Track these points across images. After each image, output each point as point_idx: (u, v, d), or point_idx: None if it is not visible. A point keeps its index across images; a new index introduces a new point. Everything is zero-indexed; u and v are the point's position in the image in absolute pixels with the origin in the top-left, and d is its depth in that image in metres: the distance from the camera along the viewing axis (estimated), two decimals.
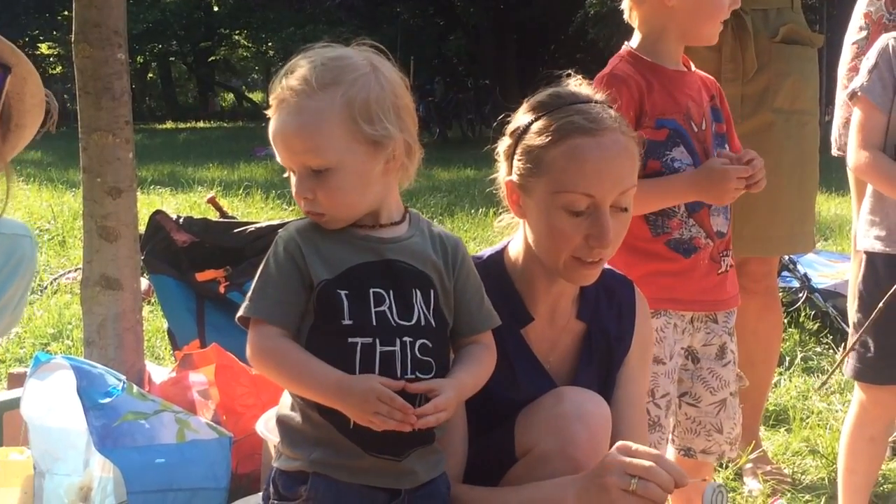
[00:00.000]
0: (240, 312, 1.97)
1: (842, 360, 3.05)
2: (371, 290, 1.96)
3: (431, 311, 2.01)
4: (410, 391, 1.90)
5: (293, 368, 1.92)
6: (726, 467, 3.66)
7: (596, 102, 2.26)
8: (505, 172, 2.32)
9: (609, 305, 2.42)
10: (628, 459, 1.97)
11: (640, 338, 2.45)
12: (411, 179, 2.07)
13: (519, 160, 2.26)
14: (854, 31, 3.88)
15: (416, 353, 1.96)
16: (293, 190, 1.98)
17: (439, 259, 2.06)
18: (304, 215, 2.02)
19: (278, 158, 1.99)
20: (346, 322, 1.93)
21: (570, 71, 2.39)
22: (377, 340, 1.93)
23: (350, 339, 1.93)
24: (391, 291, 1.97)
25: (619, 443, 2.03)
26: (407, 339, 1.96)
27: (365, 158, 1.94)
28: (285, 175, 2.01)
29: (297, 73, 1.94)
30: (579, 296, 2.40)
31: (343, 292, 1.94)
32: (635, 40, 2.83)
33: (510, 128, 2.31)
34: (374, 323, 1.94)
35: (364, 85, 1.94)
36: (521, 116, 2.29)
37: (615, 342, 2.41)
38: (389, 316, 1.96)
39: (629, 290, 2.47)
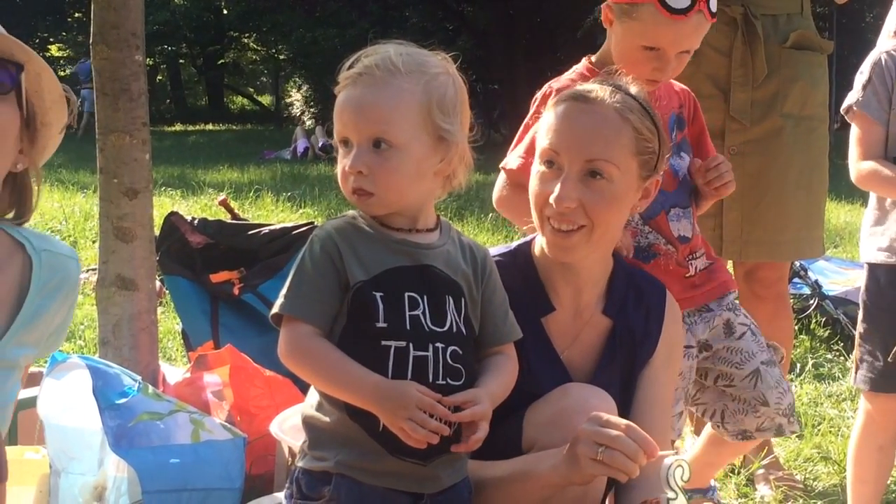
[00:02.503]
0: (274, 310, 1.97)
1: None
2: (406, 294, 1.97)
3: (462, 320, 2.03)
4: (446, 404, 1.91)
5: (330, 369, 1.93)
6: (738, 473, 3.67)
7: (613, 87, 2.33)
8: None
9: (637, 305, 2.45)
10: (597, 429, 2.00)
11: (667, 340, 2.47)
12: (459, 188, 2.11)
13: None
14: (887, 35, 3.88)
15: (448, 359, 1.98)
16: (345, 164, 1.97)
17: (469, 269, 2.08)
18: (323, 215, 2.03)
19: (336, 130, 2.00)
20: (381, 325, 1.94)
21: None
22: (410, 345, 1.94)
23: (384, 342, 1.94)
24: (425, 297, 1.98)
25: (593, 413, 2.05)
26: (439, 344, 1.97)
27: (427, 151, 1.97)
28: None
29: (381, 55, 1.96)
30: (606, 292, 2.43)
31: (378, 294, 1.95)
32: (597, 53, 2.85)
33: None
34: (408, 327, 1.95)
35: (444, 82, 1.99)
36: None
37: (640, 341, 2.43)
38: (423, 321, 1.97)
39: (659, 293, 2.50)
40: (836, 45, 3.97)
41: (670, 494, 1.96)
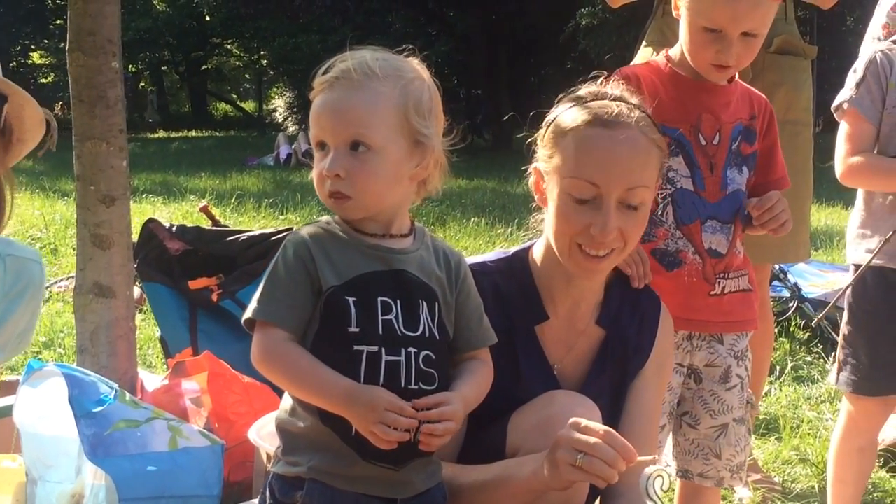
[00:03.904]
0: (246, 315, 1.97)
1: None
2: (379, 299, 1.97)
3: (436, 324, 2.02)
4: (418, 407, 1.91)
5: (301, 374, 1.93)
6: None
7: (623, 101, 2.31)
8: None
9: (631, 316, 2.45)
10: (576, 435, 1.99)
11: (659, 351, 2.47)
12: (434, 193, 2.10)
13: (543, 147, 2.34)
14: (871, 38, 3.89)
15: (421, 364, 1.97)
16: (322, 167, 1.96)
17: (443, 273, 2.08)
18: (306, 221, 2.02)
19: (312, 134, 1.99)
20: (353, 329, 1.94)
21: (606, 73, 2.46)
22: (383, 349, 1.94)
23: (356, 347, 1.93)
24: (398, 301, 1.98)
25: (572, 419, 2.05)
26: (412, 349, 1.97)
27: (404, 154, 1.97)
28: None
29: (357, 60, 1.96)
30: (602, 303, 2.43)
31: (351, 299, 1.95)
32: (675, 48, 2.80)
33: (547, 118, 2.38)
34: (381, 332, 1.95)
35: (420, 86, 2.00)
36: (558, 107, 2.36)
37: (632, 352, 2.43)
38: (396, 325, 1.96)
39: (655, 304, 2.49)
40: (817, 49, 3.98)
41: None
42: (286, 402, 2.07)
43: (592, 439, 1.98)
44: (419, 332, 1.99)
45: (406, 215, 2.09)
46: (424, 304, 2.02)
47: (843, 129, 3.01)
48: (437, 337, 2.02)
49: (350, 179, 1.95)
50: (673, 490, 2.96)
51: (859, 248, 3.02)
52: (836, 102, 3.04)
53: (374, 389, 1.89)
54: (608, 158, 2.22)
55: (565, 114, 2.31)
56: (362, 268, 1.98)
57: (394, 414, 1.86)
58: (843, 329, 3.05)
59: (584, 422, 2.03)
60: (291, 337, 1.95)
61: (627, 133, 2.24)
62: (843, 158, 2.98)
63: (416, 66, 2.03)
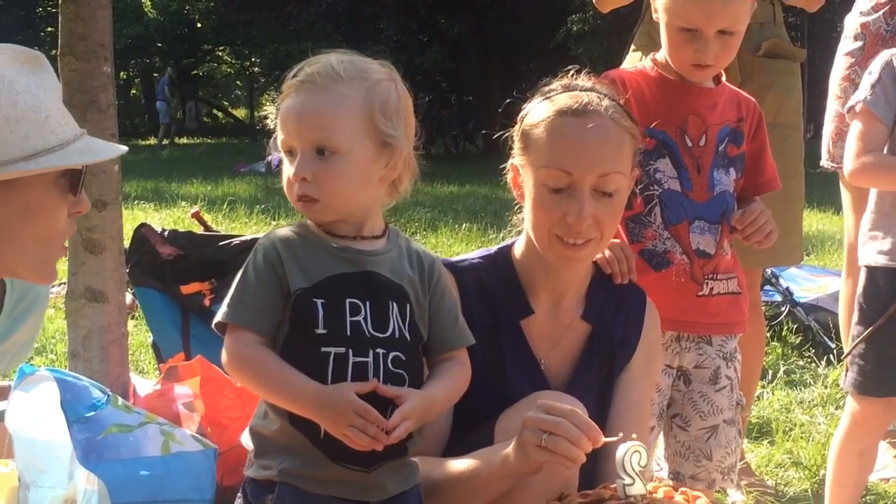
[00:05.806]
0: (217, 318, 1.97)
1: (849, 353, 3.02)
2: (347, 301, 1.96)
3: (407, 325, 2.02)
4: (380, 393, 1.91)
5: (270, 377, 1.93)
6: None
7: (593, 91, 2.33)
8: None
9: (616, 311, 2.45)
10: (541, 416, 2.00)
11: (646, 345, 2.48)
12: (405, 195, 2.10)
13: (518, 141, 2.36)
14: (848, 40, 3.89)
15: (389, 365, 1.97)
16: (290, 172, 1.97)
17: (415, 275, 2.07)
18: (284, 224, 2.02)
19: (281, 140, 2.00)
20: (320, 331, 1.94)
21: (578, 67, 2.48)
22: (350, 351, 1.94)
23: (323, 349, 1.93)
24: (368, 303, 1.98)
25: (539, 401, 2.06)
26: (380, 350, 1.96)
27: (371, 156, 1.98)
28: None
29: (322, 63, 1.97)
30: (586, 297, 2.44)
31: (319, 301, 1.94)
32: (660, 51, 2.80)
33: (520, 113, 2.40)
34: (348, 333, 1.95)
35: (386, 88, 2.00)
36: (530, 102, 2.38)
37: (619, 347, 2.44)
38: (364, 327, 1.96)
39: (640, 298, 2.50)
40: (807, 54, 3.99)
41: (627, 480, 1.94)
42: (260, 406, 2.07)
43: (557, 419, 1.99)
44: (388, 334, 1.99)
45: (379, 217, 2.09)
46: (395, 306, 2.01)
47: (856, 128, 2.99)
48: (408, 338, 2.02)
49: (316, 182, 1.95)
50: (654, 472, 2.96)
51: (871, 250, 3.00)
52: (849, 103, 3.04)
53: (341, 392, 1.88)
54: (579, 146, 2.25)
55: (537, 107, 2.34)
56: (331, 270, 1.98)
57: (364, 420, 1.86)
58: (854, 330, 3.03)
59: (549, 403, 2.04)
60: (261, 340, 1.95)
61: (597, 121, 2.26)
62: (853, 157, 2.96)
63: (384, 68, 2.04)
